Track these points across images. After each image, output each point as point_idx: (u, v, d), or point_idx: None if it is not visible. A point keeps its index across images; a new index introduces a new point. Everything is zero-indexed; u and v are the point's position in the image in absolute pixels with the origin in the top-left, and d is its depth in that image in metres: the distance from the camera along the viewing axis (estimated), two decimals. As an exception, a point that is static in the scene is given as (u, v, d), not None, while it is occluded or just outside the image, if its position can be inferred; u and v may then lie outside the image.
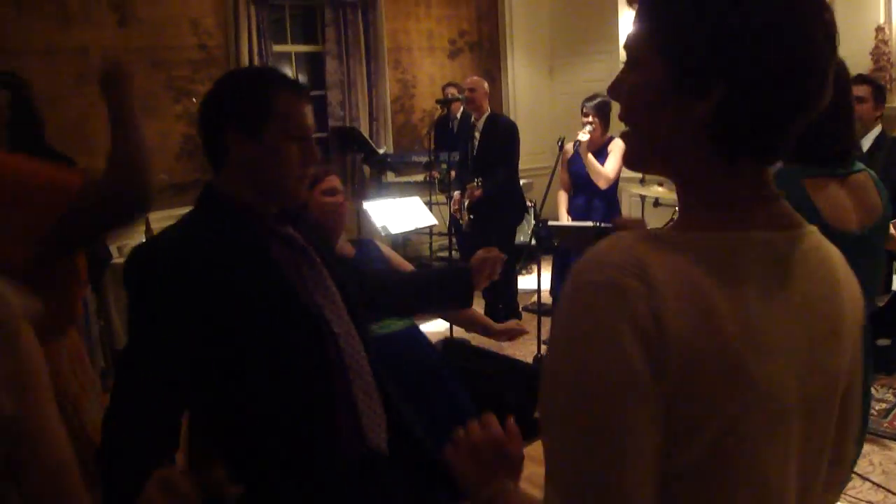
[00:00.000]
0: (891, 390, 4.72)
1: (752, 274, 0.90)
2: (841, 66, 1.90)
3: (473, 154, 6.02)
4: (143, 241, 1.63)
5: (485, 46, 8.96)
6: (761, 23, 0.86)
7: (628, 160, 1.01)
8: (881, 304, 4.73)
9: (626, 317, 0.83)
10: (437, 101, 6.53)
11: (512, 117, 8.43)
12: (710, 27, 0.87)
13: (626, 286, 0.84)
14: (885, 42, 5.85)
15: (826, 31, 0.89)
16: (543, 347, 5.25)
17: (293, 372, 1.58)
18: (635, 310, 0.83)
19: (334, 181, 2.58)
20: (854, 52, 5.97)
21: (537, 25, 9.11)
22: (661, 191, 5.20)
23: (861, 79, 4.14)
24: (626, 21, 7.68)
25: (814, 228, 0.98)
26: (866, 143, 4.04)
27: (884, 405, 4.54)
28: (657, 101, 0.92)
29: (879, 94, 4.07)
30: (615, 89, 0.98)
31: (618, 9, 7.75)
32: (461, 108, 6.79)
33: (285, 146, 1.66)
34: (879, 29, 5.89)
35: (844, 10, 6.14)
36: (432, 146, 6.31)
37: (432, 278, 2.35)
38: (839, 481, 1.13)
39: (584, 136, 4.91)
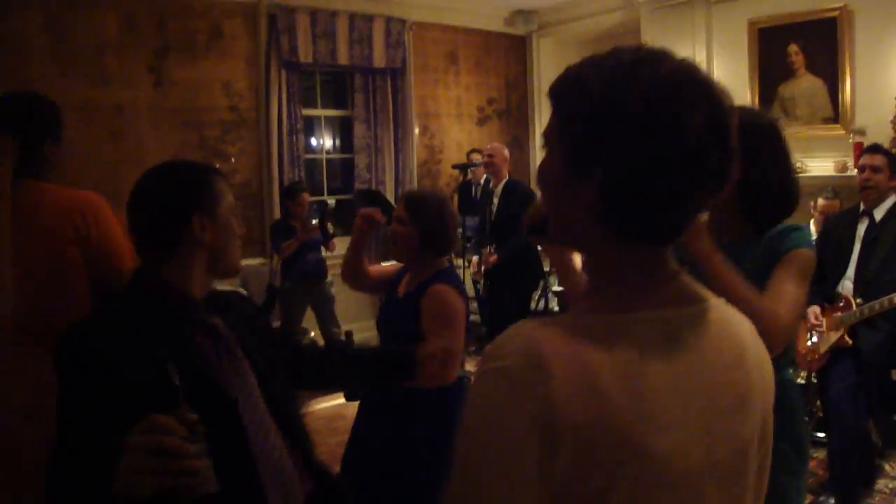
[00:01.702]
0: (906, 467, 4.56)
1: (643, 351, 0.94)
2: (771, 133, 2.03)
3: (491, 219, 6.05)
4: (76, 323, 1.63)
5: (513, 114, 9.09)
6: (633, 114, 0.91)
7: (549, 234, 1.08)
8: (896, 378, 4.62)
9: (520, 404, 0.89)
10: (454, 167, 6.63)
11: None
12: (590, 117, 0.94)
13: (522, 374, 0.90)
14: (906, 111, 5.82)
15: (711, 117, 0.94)
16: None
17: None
18: (530, 397, 0.89)
19: None
20: (875, 122, 5.96)
21: (566, 94, 9.11)
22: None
23: (877, 148, 4.13)
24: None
25: (718, 302, 1.04)
26: (880, 212, 3.99)
27: (897, 483, 4.36)
28: (557, 183, 1.00)
29: (895, 164, 4.05)
30: (538, 172, 1.06)
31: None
32: (485, 174, 6.87)
33: (233, 223, 1.80)
34: (900, 96, 5.86)
35: (864, 80, 6.18)
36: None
37: (374, 365, 2.31)
38: None
39: None
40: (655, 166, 0.92)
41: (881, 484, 4.29)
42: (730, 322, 1.04)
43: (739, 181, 1.95)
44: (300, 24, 7.24)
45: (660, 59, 0.96)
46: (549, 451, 0.88)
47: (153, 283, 1.71)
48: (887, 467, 4.54)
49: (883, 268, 3.86)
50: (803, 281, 1.92)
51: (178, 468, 1.31)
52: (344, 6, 7.58)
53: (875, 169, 3.98)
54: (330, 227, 6.40)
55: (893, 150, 5.70)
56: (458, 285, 2.77)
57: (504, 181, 6.09)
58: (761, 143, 1.98)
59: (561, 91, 1.00)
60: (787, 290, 1.89)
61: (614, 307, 0.98)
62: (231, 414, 1.63)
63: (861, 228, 4.05)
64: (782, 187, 2.02)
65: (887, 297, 3.65)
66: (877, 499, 4.13)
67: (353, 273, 3.08)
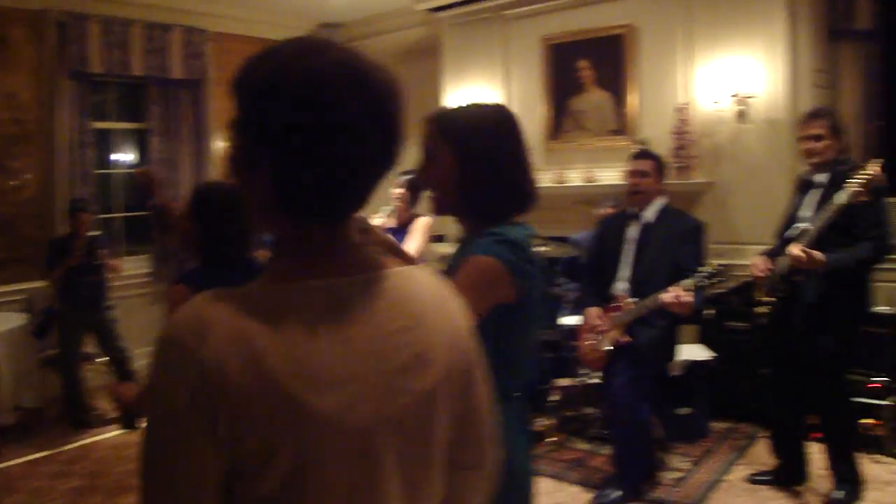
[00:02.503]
0: (689, 458, 4.80)
1: (307, 317, 1.00)
2: (507, 128, 1.97)
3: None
4: None
5: (317, 128, 8.96)
6: (291, 102, 0.99)
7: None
8: (678, 372, 4.88)
9: (180, 370, 0.95)
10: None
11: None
12: (256, 106, 1.02)
13: (183, 341, 0.95)
14: (685, 121, 6.16)
15: (370, 102, 1.02)
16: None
17: None
18: (189, 363, 0.94)
19: None
20: (657, 133, 6.30)
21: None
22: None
23: (643, 154, 4.33)
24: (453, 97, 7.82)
25: (399, 269, 1.13)
26: (649, 214, 4.18)
27: (678, 474, 4.57)
28: (239, 169, 1.07)
29: (661, 168, 4.25)
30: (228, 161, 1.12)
31: (439, 94, 7.95)
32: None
33: None
34: (680, 109, 6.21)
35: (648, 94, 6.54)
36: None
37: None
38: (481, 485, 1.25)
39: (378, 219, 4.75)
40: (313, 150, 0.99)
41: (664, 476, 4.50)
42: (408, 287, 1.12)
43: (459, 176, 1.91)
44: (91, 33, 6.89)
45: (323, 49, 1.03)
46: (209, 417, 0.93)
47: None
48: (670, 459, 4.77)
49: (653, 268, 4.05)
50: (468, 287, 1.69)
51: None
52: (140, 15, 7.27)
53: (642, 174, 4.17)
54: (101, 254, 6.09)
55: (672, 160, 6.10)
56: (199, 283, 2.38)
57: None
58: (477, 137, 1.92)
59: (236, 81, 1.06)
60: None
61: (283, 278, 1.05)
62: None
63: (632, 231, 4.24)
64: (504, 184, 1.93)
65: (653, 296, 3.83)
66: (659, 490, 4.32)
67: None
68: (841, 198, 3.56)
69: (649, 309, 3.91)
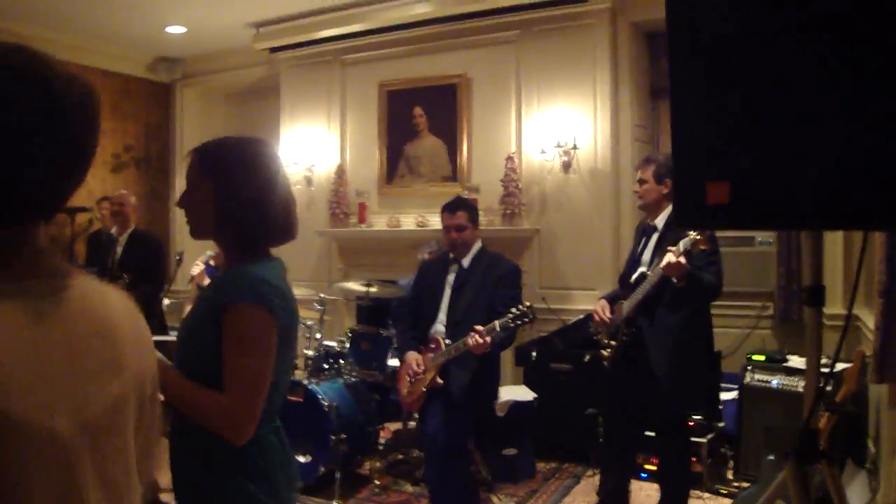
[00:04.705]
0: (514, 499, 4.87)
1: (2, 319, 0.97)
2: (263, 161, 2.03)
3: (115, 269, 5.78)
4: None
5: (153, 163, 8.77)
6: None
7: None
8: (502, 414, 4.97)
9: None
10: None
11: (181, 236, 8.32)
12: None
13: None
14: (514, 170, 6.38)
15: (45, 108, 1.00)
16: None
17: None
18: None
19: None
20: (487, 180, 6.50)
21: (210, 144, 8.97)
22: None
23: (456, 206, 4.39)
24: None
25: (87, 279, 1.11)
26: (467, 260, 4.25)
27: (501, 513, 4.64)
28: None
29: (475, 215, 4.34)
30: None
31: (279, 133, 7.91)
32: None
33: None
34: (509, 158, 6.42)
35: (479, 142, 6.73)
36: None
37: None
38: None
39: (196, 268, 4.86)
40: None
41: (487, 515, 4.55)
42: (97, 295, 1.11)
43: (215, 206, 1.95)
44: None
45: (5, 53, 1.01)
46: None
47: None
48: (495, 499, 4.83)
49: (469, 310, 4.12)
50: (253, 346, 1.86)
51: None
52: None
53: (459, 228, 4.26)
54: None
55: (501, 207, 6.28)
56: None
57: (130, 230, 5.86)
58: (233, 169, 1.98)
59: None
60: (239, 365, 1.84)
61: None
62: None
63: (451, 276, 4.32)
64: (257, 215, 1.98)
65: (461, 339, 3.90)
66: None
67: None
68: (683, 244, 3.66)
69: (460, 351, 3.97)
